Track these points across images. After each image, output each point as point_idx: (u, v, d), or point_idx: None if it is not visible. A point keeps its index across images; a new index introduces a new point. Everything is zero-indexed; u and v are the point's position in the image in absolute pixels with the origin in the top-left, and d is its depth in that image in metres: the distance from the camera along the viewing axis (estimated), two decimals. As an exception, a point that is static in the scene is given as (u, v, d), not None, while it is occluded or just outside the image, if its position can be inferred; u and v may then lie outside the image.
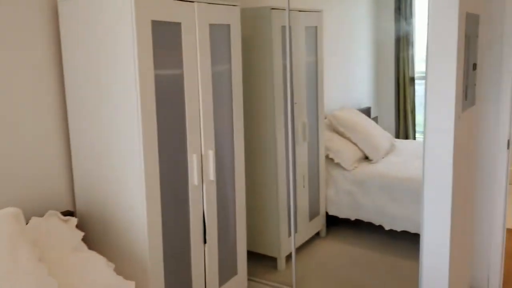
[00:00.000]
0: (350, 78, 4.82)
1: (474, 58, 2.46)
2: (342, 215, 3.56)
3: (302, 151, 3.26)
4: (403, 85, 5.19)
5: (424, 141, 2.21)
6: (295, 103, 3.13)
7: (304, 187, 3.29)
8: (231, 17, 2.45)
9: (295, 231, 3.18)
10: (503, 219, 2.73)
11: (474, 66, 2.47)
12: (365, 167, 3.64)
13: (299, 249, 3.30)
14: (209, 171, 2.31)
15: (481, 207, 2.76)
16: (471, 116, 2.54)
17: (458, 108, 2.18)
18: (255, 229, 3.12)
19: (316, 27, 3.33)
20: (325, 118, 4.04)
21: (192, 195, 2.23)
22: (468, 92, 2.39)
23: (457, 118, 2.19)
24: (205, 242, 2.33)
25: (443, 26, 2.08)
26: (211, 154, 2.30)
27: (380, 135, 4.04)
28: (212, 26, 2.31)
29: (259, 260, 3.15)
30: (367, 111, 5.10)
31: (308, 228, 3.38)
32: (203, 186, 2.29)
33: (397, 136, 5.28)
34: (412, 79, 5.09)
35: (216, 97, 2.37)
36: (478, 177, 2.74)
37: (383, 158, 3.88)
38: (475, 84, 2.56)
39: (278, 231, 3.04)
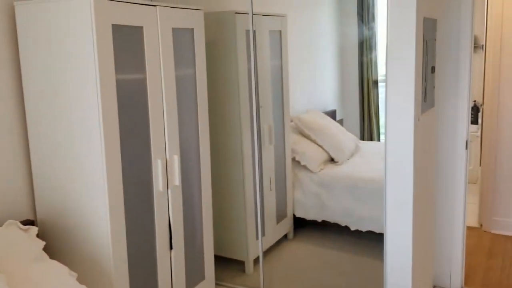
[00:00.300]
0: (316, 81, 4.88)
1: (433, 61, 2.54)
2: (309, 217, 3.59)
3: (269, 154, 3.28)
4: (367, 88, 5.29)
5: (385, 143, 2.26)
6: (261, 106, 3.14)
7: (271, 190, 3.30)
8: (195, 21, 2.44)
9: (263, 234, 3.19)
10: (463, 217, 2.82)
11: (433, 69, 2.55)
12: (331, 169, 3.69)
13: (267, 252, 3.31)
14: (174, 176, 2.29)
15: (442, 205, 2.84)
16: (431, 118, 2.62)
17: (417, 111, 2.24)
18: (223, 233, 3.11)
19: (280, 31, 3.36)
20: (291, 121, 4.08)
21: (157, 201, 2.21)
22: (427, 94, 2.46)
23: (417, 120, 2.25)
24: (171, 248, 2.31)
25: (401, 31, 2.14)
26: (176, 159, 2.29)
27: (345, 137, 4.10)
28: (175, 30, 2.30)
29: (227, 264, 3.14)
30: (332, 114, 5.17)
31: (276, 230, 3.39)
32: (168, 191, 2.27)
33: (362, 137, 5.38)
34: (376, 82, 5.21)
35: (181, 102, 2.35)
36: (439, 176, 2.82)
37: (348, 159, 3.95)
38: (434, 87, 2.63)
39: (245, 234, 3.04)
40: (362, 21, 5.17)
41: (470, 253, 3.35)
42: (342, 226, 3.48)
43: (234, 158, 3.00)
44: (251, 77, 2.88)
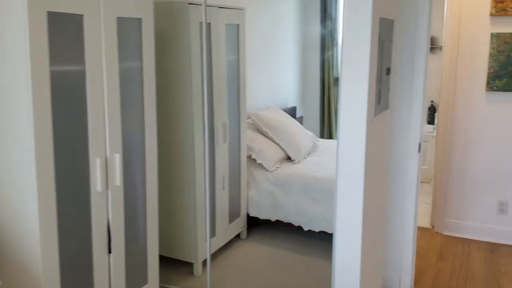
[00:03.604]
0: (276, 77, 4.80)
1: (388, 62, 2.49)
2: (263, 216, 3.52)
3: (223, 152, 3.18)
4: (327, 85, 5.26)
5: (337, 144, 2.20)
6: (215, 103, 3.03)
7: (224, 189, 3.20)
8: (143, 11, 2.30)
9: (212, 235, 3.10)
10: (414, 221, 2.81)
11: (388, 71, 2.50)
12: (287, 167, 3.62)
13: (218, 253, 3.22)
14: (115, 176, 2.15)
15: (394, 208, 2.81)
16: (385, 120, 2.58)
17: (370, 113, 2.18)
18: (172, 234, 2.99)
19: (238, 25, 3.24)
20: (249, 117, 3.98)
21: (95, 202, 2.07)
22: (381, 96, 2.41)
23: (369, 123, 2.20)
24: (110, 252, 2.18)
25: (356, 31, 2.07)
26: (117, 157, 2.15)
27: (303, 135, 4.04)
28: (120, 19, 2.15)
29: (177, 266, 3.03)
30: (292, 111, 5.12)
31: (228, 230, 3.30)
32: (107, 192, 2.13)
33: (322, 135, 5.36)
34: (337, 80, 5.17)
35: (125, 96, 2.21)
36: (392, 179, 2.79)
37: (305, 158, 3.89)
38: (388, 89, 2.59)
39: (195, 235, 2.93)
40: (325, 19, 5.12)
41: (421, 255, 3.36)
42: (296, 226, 3.43)
43: (185, 156, 2.88)
44: (203, 72, 2.76)
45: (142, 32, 2.31)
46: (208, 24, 2.90)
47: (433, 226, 3.85)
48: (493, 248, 3.49)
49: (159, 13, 2.63)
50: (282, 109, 4.76)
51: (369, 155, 2.21)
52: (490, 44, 3.44)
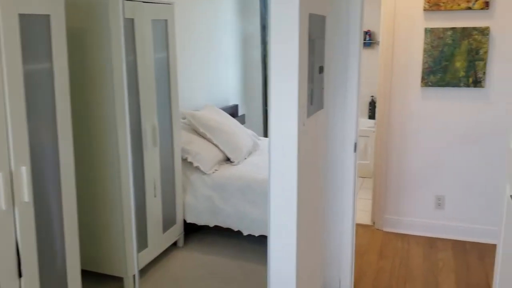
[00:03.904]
0: (215, 75, 4.63)
1: (321, 60, 2.40)
2: (200, 222, 3.36)
3: (153, 156, 2.99)
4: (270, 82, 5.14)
5: (269, 148, 2.08)
6: (142, 105, 2.83)
7: (155, 196, 3.02)
8: (52, 6, 2.07)
9: (144, 246, 2.91)
10: (352, 219, 2.75)
11: (321, 69, 2.41)
12: (226, 170, 3.48)
13: (153, 263, 3.03)
14: (23, 191, 1.92)
15: (332, 208, 2.74)
16: (319, 120, 2.49)
17: (302, 115, 2.07)
18: (99, 247, 2.77)
19: (166, 20, 3.05)
20: (184, 118, 3.80)
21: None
22: (315, 96, 2.31)
23: (301, 125, 2.09)
24: (20, 275, 1.95)
25: (283, 28, 1.95)
26: (24, 170, 1.92)
27: (243, 134, 3.91)
28: (23, 16, 1.91)
29: (107, 281, 2.81)
30: (234, 109, 4.97)
31: (163, 239, 3.12)
32: (14, 209, 1.90)
33: (265, 134, 5.24)
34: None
35: (32, 102, 1.98)
36: (329, 178, 2.71)
37: (246, 158, 3.76)
38: (323, 88, 2.50)
39: (123, 248, 2.73)
40: (265, 14, 5.00)
41: (361, 254, 3.33)
42: (236, 231, 3.29)
43: (109, 163, 2.66)
44: (123, 72, 2.55)
45: (51, 29, 2.08)
46: (131, 20, 2.69)
47: (374, 223, 3.84)
48: (431, 243, 3.51)
49: (75, 8, 2.41)
50: (223, 108, 4.61)
51: (302, 158, 2.11)
52: (424, 39, 3.44)
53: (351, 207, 2.72)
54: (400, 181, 3.68)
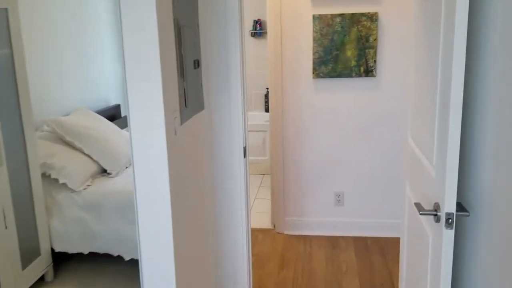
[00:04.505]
0: (90, 72, 4.04)
1: (195, 53, 2.01)
2: (72, 249, 2.83)
3: None
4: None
5: (132, 165, 1.65)
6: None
7: (7, 227, 2.43)
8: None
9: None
10: (247, 230, 2.42)
11: (197, 64, 2.02)
12: (101, 184, 2.97)
13: (10, 310, 2.45)
14: None
15: (224, 220, 2.39)
16: (200, 123, 2.11)
17: (171, 122, 1.67)
18: None
19: (6, 9, 2.45)
20: (47, 126, 3.21)
21: None
22: (190, 96, 1.92)
23: (172, 134, 1.69)
24: None
25: (137, 13, 1.52)
26: None
27: (121, 140, 3.40)
28: None
29: None
30: (116, 110, 4.41)
31: (22, 278, 2.55)
32: None
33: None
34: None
35: None
36: (218, 188, 2.35)
37: (126, 168, 3.28)
38: (201, 85, 2.12)
39: (-38, 300, 2.14)
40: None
41: (262, 264, 3.04)
42: (115, 256, 2.82)
43: None
44: None
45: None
46: None
47: (274, 226, 3.57)
48: (333, 243, 3.32)
49: None
50: (102, 109, 4.04)
51: (176, 174, 1.71)
52: (313, 27, 3.20)
53: (245, 219, 2.39)
54: (298, 179, 3.45)
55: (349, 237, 3.41)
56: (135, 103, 1.58)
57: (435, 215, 1.45)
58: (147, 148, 1.61)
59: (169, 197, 1.66)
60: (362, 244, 3.29)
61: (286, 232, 3.50)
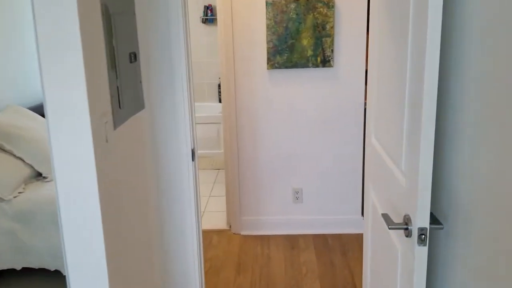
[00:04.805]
0: (24, 65, 3.65)
1: (131, 45, 1.75)
2: (2, 265, 2.52)
3: None
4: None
5: (54, 179, 1.39)
6: None
7: None
8: None
9: None
10: (198, 237, 2.21)
11: (133, 57, 1.76)
12: (35, 190, 2.66)
13: None
14: None
15: (173, 228, 2.15)
16: (140, 125, 1.86)
17: (101, 127, 1.42)
18: None
19: None
20: (-30, 126, 2.84)
21: None
22: (125, 95, 1.66)
23: (103, 141, 1.44)
24: None
25: (51, -2, 1.25)
26: None
27: (60, 139, 3.08)
28: None
29: None
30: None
31: None
32: None
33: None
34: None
35: None
36: (164, 192, 2.11)
37: (65, 169, 2.96)
38: (140, 81, 1.86)
39: None
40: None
41: (217, 269, 2.83)
42: (52, 271, 2.53)
43: None
44: None
45: None
46: None
47: (230, 226, 3.37)
48: (292, 242, 3.16)
49: None
50: (38, 106, 3.67)
51: (108, 188, 1.47)
52: (266, 14, 2.98)
53: (195, 227, 2.17)
54: (254, 176, 3.25)
55: (308, 235, 3.26)
56: (53, 108, 1.31)
57: (406, 229, 1.29)
58: (70, 161, 1.35)
59: (99, 214, 1.41)
60: (323, 242, 3.14)
61: (242, 233, 3.30)
